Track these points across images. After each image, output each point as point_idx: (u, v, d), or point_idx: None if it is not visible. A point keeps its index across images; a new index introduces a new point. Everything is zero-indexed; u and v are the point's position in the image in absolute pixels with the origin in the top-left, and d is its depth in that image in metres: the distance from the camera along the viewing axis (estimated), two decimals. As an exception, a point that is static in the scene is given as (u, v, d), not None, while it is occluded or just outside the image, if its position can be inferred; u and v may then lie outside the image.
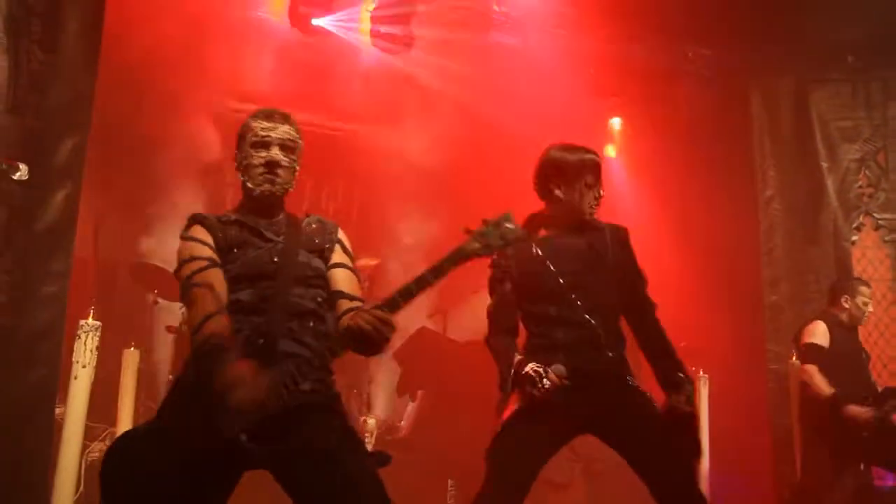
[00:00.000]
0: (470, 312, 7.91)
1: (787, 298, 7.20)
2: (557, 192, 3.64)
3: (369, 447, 5.53)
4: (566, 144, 3.73)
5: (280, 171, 3.14)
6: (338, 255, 3.25)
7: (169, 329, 7.06)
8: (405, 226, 9.01)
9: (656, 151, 8.59)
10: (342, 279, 3.21)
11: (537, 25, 7.98)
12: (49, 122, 4.39)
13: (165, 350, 7.43)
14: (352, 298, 3.16)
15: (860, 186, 7.20)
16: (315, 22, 7.42)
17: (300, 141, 3.23)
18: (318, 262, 3.18)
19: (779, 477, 6.87)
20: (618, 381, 3.53)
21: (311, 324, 3.07)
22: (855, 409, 5.57)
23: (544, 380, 3.30)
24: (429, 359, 7.58)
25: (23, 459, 4.52)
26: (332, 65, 8.33)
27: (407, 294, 2.84)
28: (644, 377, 3.71)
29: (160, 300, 7.19)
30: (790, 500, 6.27)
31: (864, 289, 6.12)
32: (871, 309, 6.11)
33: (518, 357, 3.46)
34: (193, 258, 3.03)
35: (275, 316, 2.99)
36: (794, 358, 6.82)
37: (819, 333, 5.92)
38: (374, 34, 7.57)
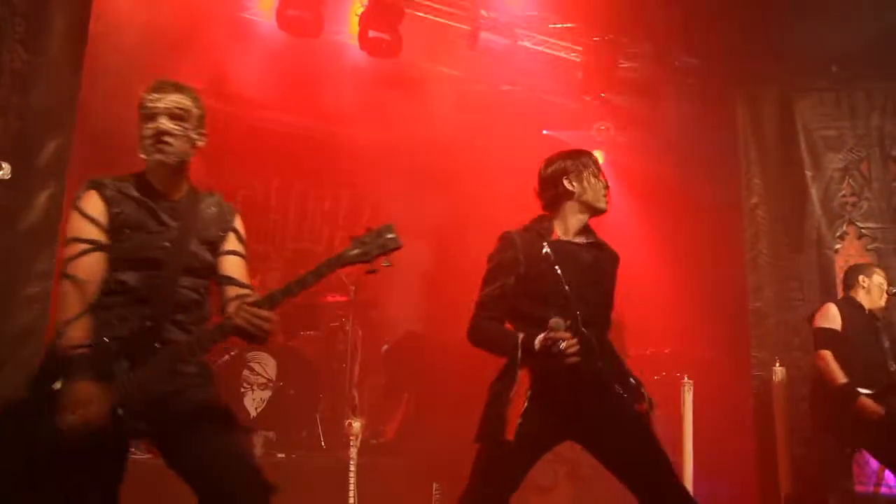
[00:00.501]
0: (457, 316, 7.89)
1: (772, 305, 7.22)
2: (571, 186, 3.66)
3: (354, 450, 5.61)
4: (565, 151, 3.82)
5: (170, 140, 3.11)
6: (231, 243, 3.31)
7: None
8: (400, 225, 8.99)
9: (643, 159, 8.61)
10: (232, 266, 3.29)
11: (524, 31, 7.99)
12: (32, 123, 4.37)
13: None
14: (240, 285, 3.25)
15: (844, 195, 7.21)
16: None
17: (195, 109, 3.20)
18: (207, 254, 3.23)
19: (762, 481, 6.84)
20: (606, 391, 3.50)
21: (196, 313, 3.17)
22: (866, 403, 5.52)
23: (561, 343, 3.24)
24: (415, 362, 7.59)
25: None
26: (319, 66, 8.30)
27: (287, 292, 2.98)
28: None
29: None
30: (795, 491, 6.19)
31: (879, 270, 6.09)
32: (891, 291, 6.00)
33: (520, 335, 3.42)
34: (76, 240, 3.03)
35: (162, 307, 3.07)
36: (777, 364, 6.83)
37: (830, 316, 5.86)
38: (362, 37, 7.53)
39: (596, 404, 3.47)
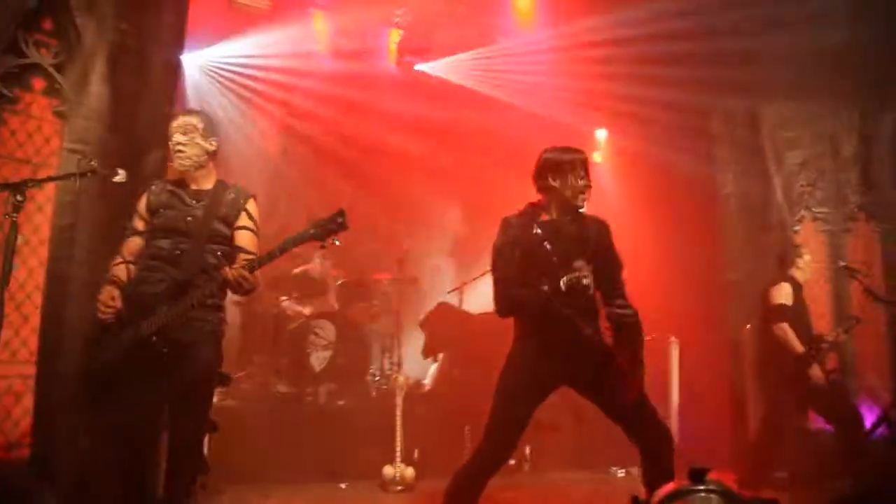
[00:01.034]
0: (480, 290, 7.97)
1: (744, 277, 7.18)
2: (554, 182, 3.64)
3: (399, 399, 5.75)
4: (560, 146, 3.75)
5: (182, 149, 3.62)
6: (242, 220, 3.66)
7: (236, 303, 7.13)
8: (431, 218, 9.07)
9: (634, 158, 8.61)
10: (242, 238, 3.65)
11: (533, 52, 8.01)
12: (139, 137, 4.47)
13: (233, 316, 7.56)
14: (248, 253, 3.60)
15: (801, 185, 7.17)
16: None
17: (200, 124, 3.67)
18: (223, 227, 3.61)
19: (735, 422, 6.87)
20: (591, 349, 3.49)
21: (214, 274, 3.48)
22: (816, 371, 5.60)
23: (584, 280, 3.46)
24: (448, 328, 7.64)
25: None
26: (365, 86, 8.40)
27: (259, 262, 3.37)
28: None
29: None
30: (757, 437, 6.23)
31: (804, 250, 6.18)
32: (840, 264, 6.18)
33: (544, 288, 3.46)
34: (128, 228, 3.71)
35: (189, 267, 3.49)
36: (748, 326, 6.85)
37: (785, 294, 5.90)
38: (399, 62, 7.62)
39: (584, 359, 3.49)
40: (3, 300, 3.06)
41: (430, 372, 7.72)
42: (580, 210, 3.65)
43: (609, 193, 8.83)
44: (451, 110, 8.85)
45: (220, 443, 5.43)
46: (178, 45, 4.85)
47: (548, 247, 3.53)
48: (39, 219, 4.29)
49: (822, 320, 6.64)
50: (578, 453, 7.04)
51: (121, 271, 3.58)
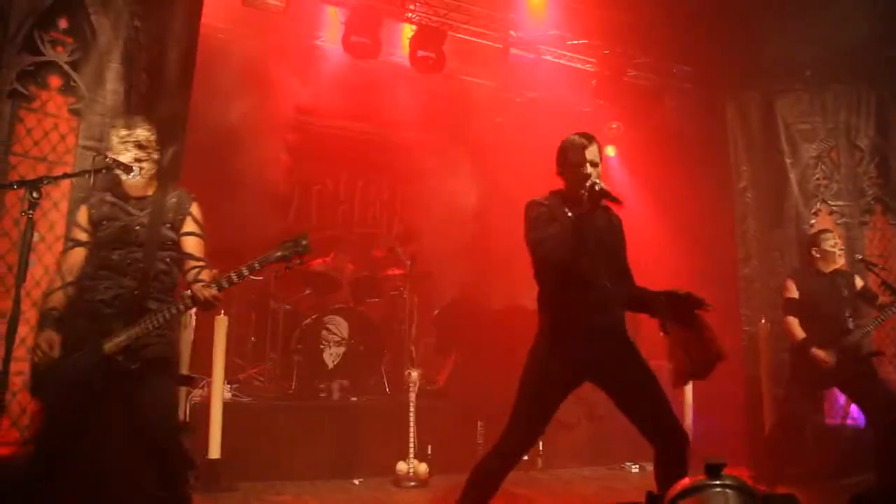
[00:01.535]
0: (495, 285, 7.97)
1: (758, 272, 7.21)
2: (562, 170, 3.70)
3: (413, 395, 5.75)
4: (578, 132, 3.74)
5: (143, 165, 3.54)
6: (188, 225, 3.61)
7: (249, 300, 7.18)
8: (441, 212, 9.07)
9: (648, 151, 8.59)
10: (190, 244, 3.60)
11: (547, 47, 8.01)
12: (155, 133, 4.50)
13: (246, 313, 7.60)
14: (197, 259, 3.57)
15: (817, 178, 7.16)
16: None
17: (153, 136, 3.60)
18: (170, 232, 3.56)
19: (750, 418, 6.86)
20: (620, 337, 3.56)
21: (164, 280, 3.51)
22: (817, 353, 5.55)
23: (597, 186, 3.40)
24: (461, 323, 7.64)
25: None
26: (378, 82, 8.41)
27: (228, 281, 3.34)
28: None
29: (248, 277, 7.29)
30: (772, 433, 6.20)
31: (826, 234, 5.98)
32: (841, 248, 5.95)
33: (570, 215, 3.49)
34: (70, 240, 3.62)
35: (140, 276, 3.44)
36: (763, 321, 6.85)
37: (790, 289, 5.89)
38: (413, 56, 7.62)
39: (608, 349, 3.51)
40: (20, 297, 3.07)
41: (443, 368, 7.69)
42: (599, 189, 3.46)
43: (622, 188, 8.81)
44: (464, 105, 8.88)
45: (234, 440, 5.50)
46: (192, 42, 4.89)
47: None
48: (55, 216, 4.36)
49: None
50: (592, 449, 7.05)
51: (58, 300, 3.45)
